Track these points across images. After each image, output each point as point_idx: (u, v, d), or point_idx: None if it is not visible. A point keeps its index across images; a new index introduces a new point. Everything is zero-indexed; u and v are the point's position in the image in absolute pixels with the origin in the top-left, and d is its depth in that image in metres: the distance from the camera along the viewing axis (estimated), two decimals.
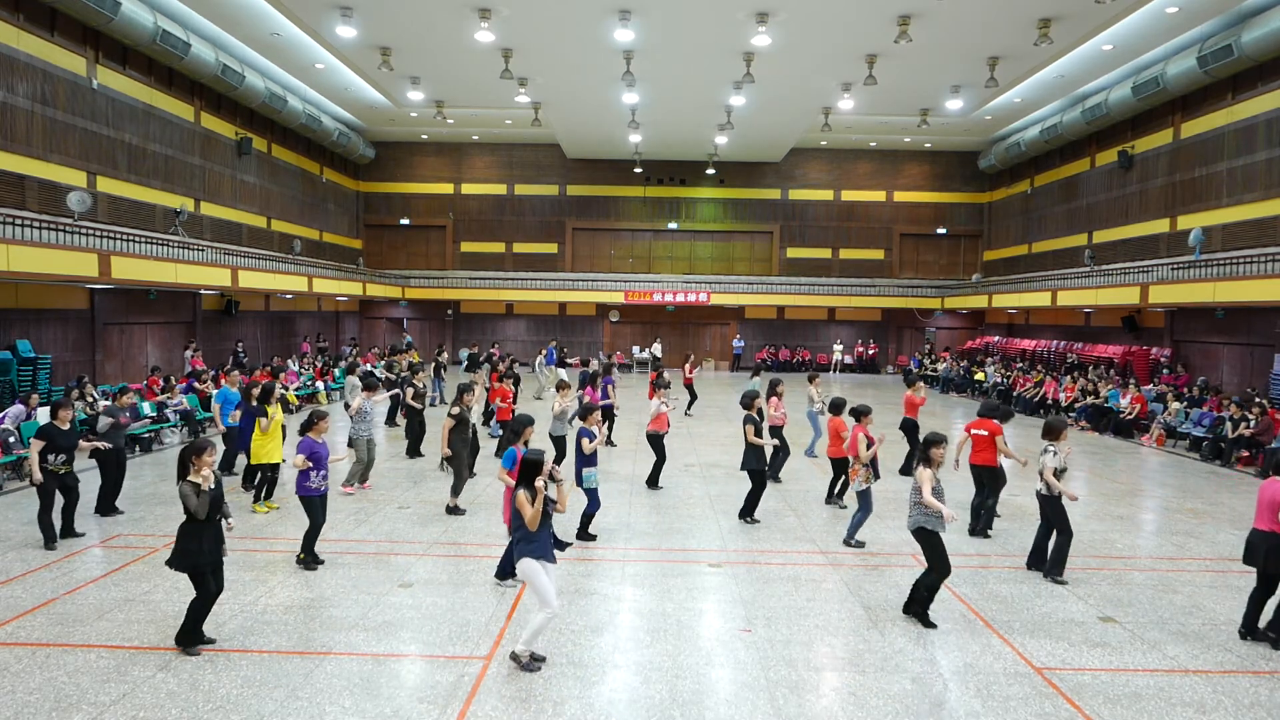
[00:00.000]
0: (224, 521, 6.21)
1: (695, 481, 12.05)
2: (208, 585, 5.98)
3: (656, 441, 11.36)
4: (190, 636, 5.97)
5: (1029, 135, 27.46)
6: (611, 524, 9.62)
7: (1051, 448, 7.86)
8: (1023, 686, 5.63)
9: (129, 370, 18.89)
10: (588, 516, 8.94)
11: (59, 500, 8.60)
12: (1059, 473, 7.80)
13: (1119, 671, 5.91)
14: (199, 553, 5.88)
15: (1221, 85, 19.44)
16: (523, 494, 5.67)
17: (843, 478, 10.50)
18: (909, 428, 12.25)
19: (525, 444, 7.54)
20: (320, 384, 21.51)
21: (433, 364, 21.03)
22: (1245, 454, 14.06)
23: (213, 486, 5.94)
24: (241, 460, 11.60)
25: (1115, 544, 9.24)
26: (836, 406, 10.23)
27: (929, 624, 6.65)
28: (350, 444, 11.22)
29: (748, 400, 9.89)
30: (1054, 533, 7.90)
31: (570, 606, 6.94)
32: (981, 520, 9.38)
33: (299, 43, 20.21)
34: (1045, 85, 22.81)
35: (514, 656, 5.77)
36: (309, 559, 7.89)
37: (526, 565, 5.66)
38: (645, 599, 7.20)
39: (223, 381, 12.44)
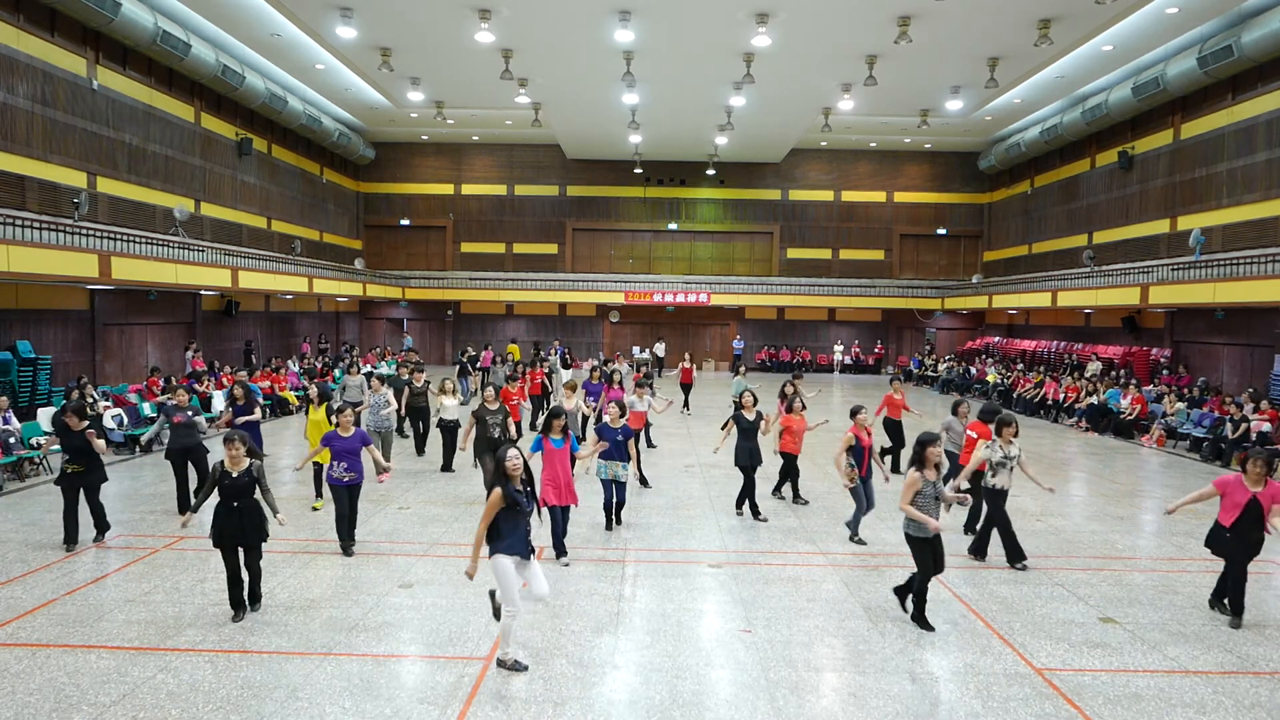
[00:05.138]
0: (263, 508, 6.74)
1: (695, 482, 12.04)
2: (230, 563, 6.51)
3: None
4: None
5: (1029, 136, 27.46)
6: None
7: (992, 442, 8.10)
8: (1023, 687, 5.62)
9: (129, 371, 18.89)
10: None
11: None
12: (994, 466, 8.00)
13: (1119, 672, 5.91)
14: (216, 533, 6.49)
15: (1221, 86, 19.44)
16: (496, 493, 5.74)
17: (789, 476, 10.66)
18: (889, 427, 12.61)
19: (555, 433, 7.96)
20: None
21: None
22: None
23: (228, 471, 6.55)
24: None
25: (1115, 545, 9.24)
26: (787, 400, 10.43)
27: (926, 626, 6.61)
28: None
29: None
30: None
31: (570, 607, 6.95)
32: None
33: (299, 43, 20.21)
34: (1045, 86, 22.81)
35: (500, 662, 5.78)
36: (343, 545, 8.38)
37: (497, 561, 5.69)
38: (645, 599, 7.20)
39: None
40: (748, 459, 9.66)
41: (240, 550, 6.52)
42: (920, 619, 6.63)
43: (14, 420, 12.08)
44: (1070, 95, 23.78)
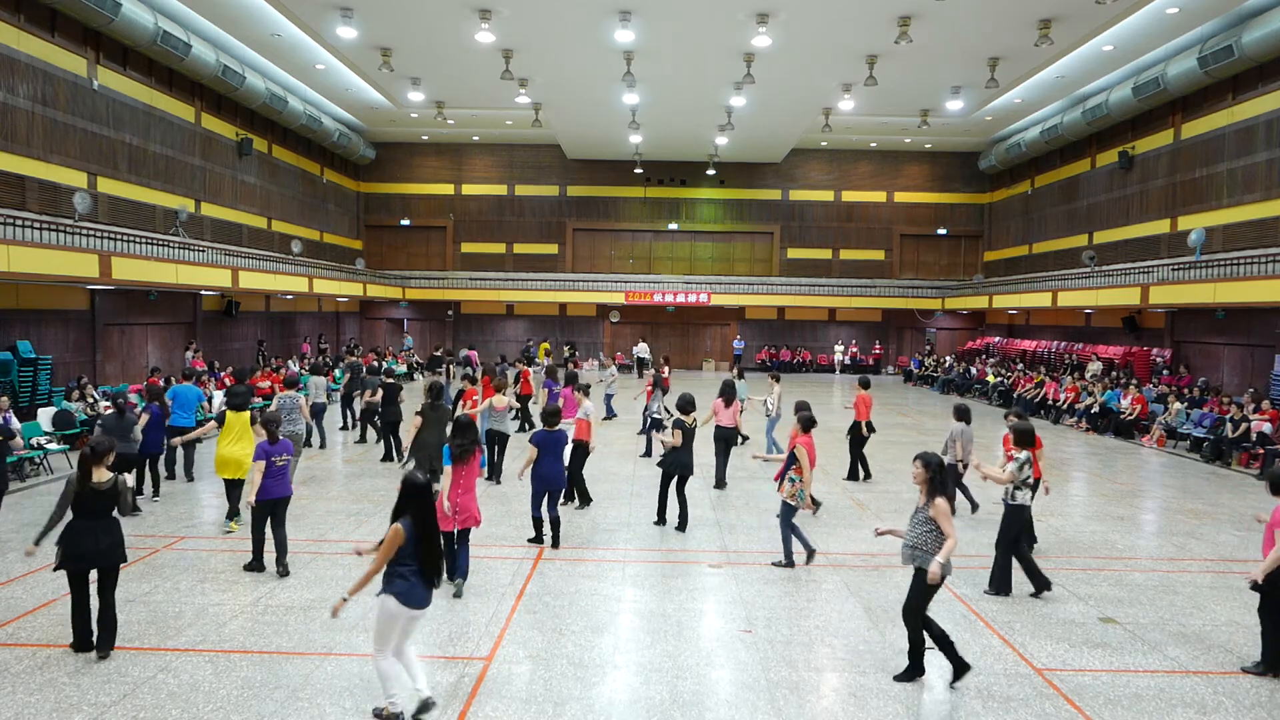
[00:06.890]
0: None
1: (694, 482, 12.01)
2: (81, 590, 5.81)
3: (579, 450, 10.04)
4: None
5: (1029, 136, 27.46)
6: (612, 524, 9.63)
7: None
8: (1023, 687, 5.62)
9: (129, 371, 18.88)
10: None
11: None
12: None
13: (1119, 672, 5.91)
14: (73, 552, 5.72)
15: (1222, 86, 19.44)
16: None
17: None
18: (851, 430, 12.22)
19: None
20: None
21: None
22: (1261, 451, 13.87)
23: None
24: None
25: (1116, 545, 9.24)
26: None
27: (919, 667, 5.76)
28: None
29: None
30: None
31: (571, 607, 6.95)
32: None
33: (299, 43, 20.21)
34: (1045, 86, 22.80)
35: (375, 713, 4.97)
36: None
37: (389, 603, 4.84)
38: (645, 599, 7.20)
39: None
40: (667, 464, 9.32)
41: (96, 574, 5.80)
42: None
43: (14, 420, 12.07)
44: (1070, 95, 23.77)
